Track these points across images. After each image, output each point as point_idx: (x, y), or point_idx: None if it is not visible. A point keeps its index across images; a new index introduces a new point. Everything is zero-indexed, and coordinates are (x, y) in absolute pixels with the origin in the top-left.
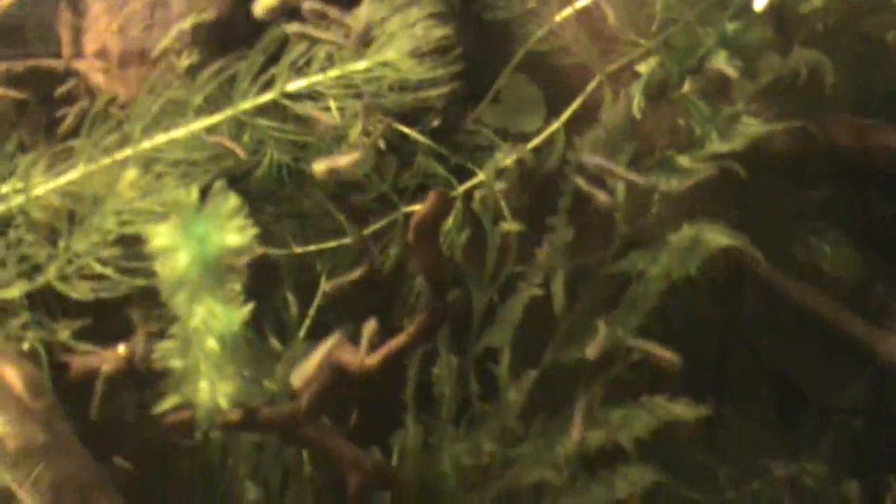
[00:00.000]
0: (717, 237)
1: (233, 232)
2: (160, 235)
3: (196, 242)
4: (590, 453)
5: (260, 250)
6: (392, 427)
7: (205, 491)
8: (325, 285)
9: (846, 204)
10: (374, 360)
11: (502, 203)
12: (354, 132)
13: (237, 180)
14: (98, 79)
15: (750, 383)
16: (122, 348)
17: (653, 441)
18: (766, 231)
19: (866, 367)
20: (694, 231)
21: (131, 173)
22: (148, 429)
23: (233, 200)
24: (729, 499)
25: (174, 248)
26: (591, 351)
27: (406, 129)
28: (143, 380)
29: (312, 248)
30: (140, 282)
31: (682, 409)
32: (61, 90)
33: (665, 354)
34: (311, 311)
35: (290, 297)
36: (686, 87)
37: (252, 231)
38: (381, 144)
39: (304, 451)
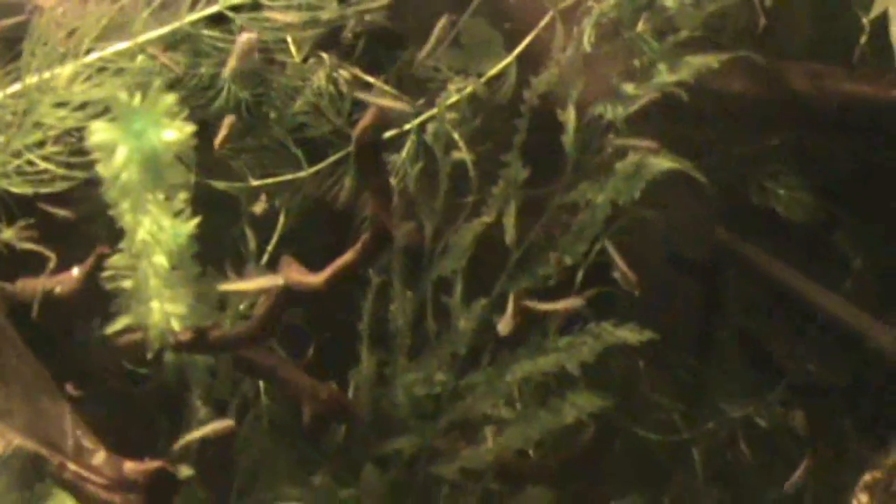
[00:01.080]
0: (661, 161)
1: (170, 127)
2: (98, 131)
3: (134, 138)
4: (541, 381)
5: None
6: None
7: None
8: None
9: (804, 149)
10: (320, 278)
11: (455, 135)
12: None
13: (194, 113)
14: None
15: (728, 359)
16: (76, 270)
17: (608, 380)
18: (722, 173)
19: (843, 345)
20: (638, 157)
21: (69, 67)
22: (102, 352)
23: (170, 98)
24: (684, 438)
25: (112, 144)
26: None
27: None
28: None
29: (270, 181)
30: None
31: (628, 334)
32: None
33: (626, 270)
34: (270, 246)
35: (248, 231)
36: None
37: (189, 128)
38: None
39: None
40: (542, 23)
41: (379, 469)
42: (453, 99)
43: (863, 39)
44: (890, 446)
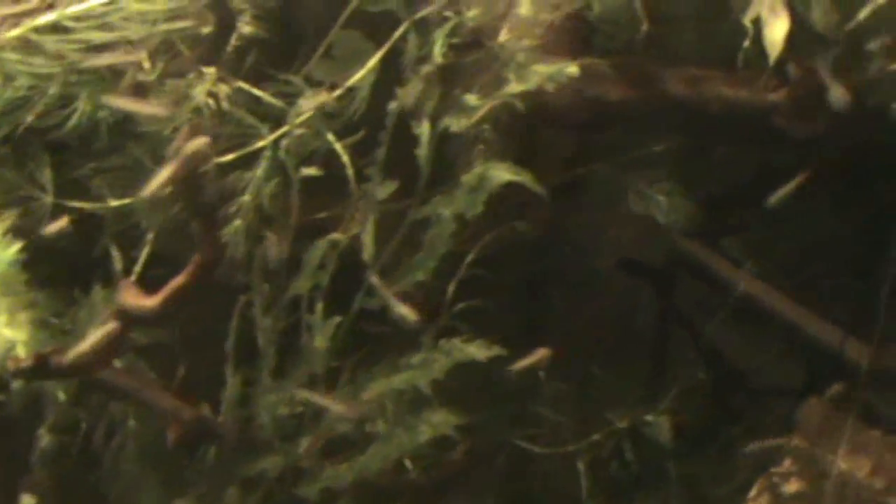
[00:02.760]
0: (502, 174)
1: None
2: None
3: None
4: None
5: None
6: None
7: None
8: None
9: (685, 154)
10: (155, 301)
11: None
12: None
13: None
14: None
15: (687, 365)
16: None
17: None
18: (601, 180)
19: (797, 347)
20: (481, 169)
21: None
22: None
23: None
24: (569, 451)
25: None
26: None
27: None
28: None
29: (129, 200)
30: None
31: (478, 351)
32: None
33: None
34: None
35: (114, 251)
36: (503, 34)
37: None
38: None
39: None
40: (397, 34)
41: (244, 491)
42: (305, 115)
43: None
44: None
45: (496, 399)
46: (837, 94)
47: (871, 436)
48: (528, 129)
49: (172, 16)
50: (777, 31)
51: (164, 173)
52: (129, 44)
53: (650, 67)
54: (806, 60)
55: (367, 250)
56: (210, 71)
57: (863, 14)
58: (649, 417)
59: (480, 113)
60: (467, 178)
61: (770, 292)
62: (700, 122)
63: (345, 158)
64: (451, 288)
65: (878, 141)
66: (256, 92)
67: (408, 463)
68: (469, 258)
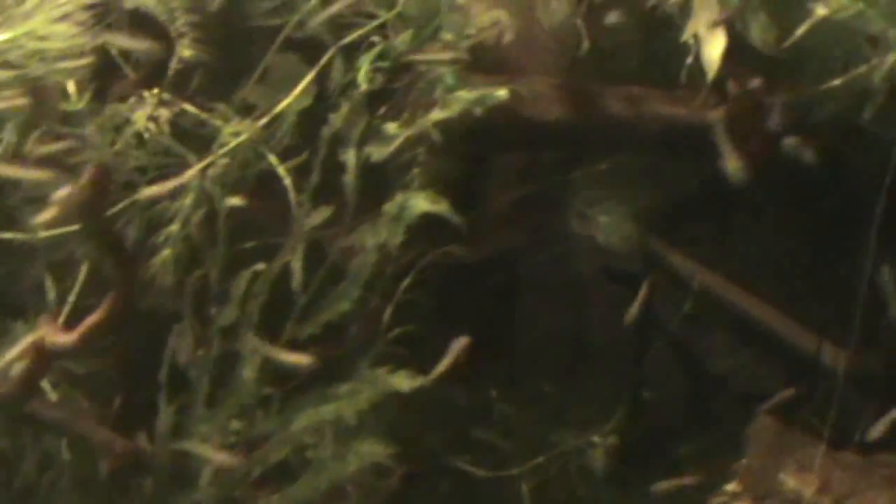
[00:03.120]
0: (420, 203)
1: None
2: None
3: None
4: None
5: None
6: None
7: None
8: None
9: (626, 173)
10: (74, 336)
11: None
12: None
13: None
14: None
15: (668, 373)
16: None
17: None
18: (542, 202)
19: (778, 353)
20: (402, 199)
21: None
22: None
23: None
24: (513, 474)
25: None
26: None
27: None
28: None
29: (57, 231)
30: None
31: (402, 382)
32: None
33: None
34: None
35: (48, 280)
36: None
37: None
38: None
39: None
40: (323, 60)
41: None
42: (231, 144)
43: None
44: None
45: (440, 422)
46: (733, 164)
47: (820, 452)
48: (466, 150)
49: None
50: (714, 49)
51: (51, 209)
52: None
53: (589, 87)
54: (745, 78)
55: (296, 279)
56: (150, 95)
57: (800, 31)
58: (596, 439)
59: (398, 142)
60: (389, 208)
61: (746, 297)
62: (639, 141)
63: (287, 181)
64: (387, 314)
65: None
66: (194, 111)
67: (349, 489)
68: (406, 283)
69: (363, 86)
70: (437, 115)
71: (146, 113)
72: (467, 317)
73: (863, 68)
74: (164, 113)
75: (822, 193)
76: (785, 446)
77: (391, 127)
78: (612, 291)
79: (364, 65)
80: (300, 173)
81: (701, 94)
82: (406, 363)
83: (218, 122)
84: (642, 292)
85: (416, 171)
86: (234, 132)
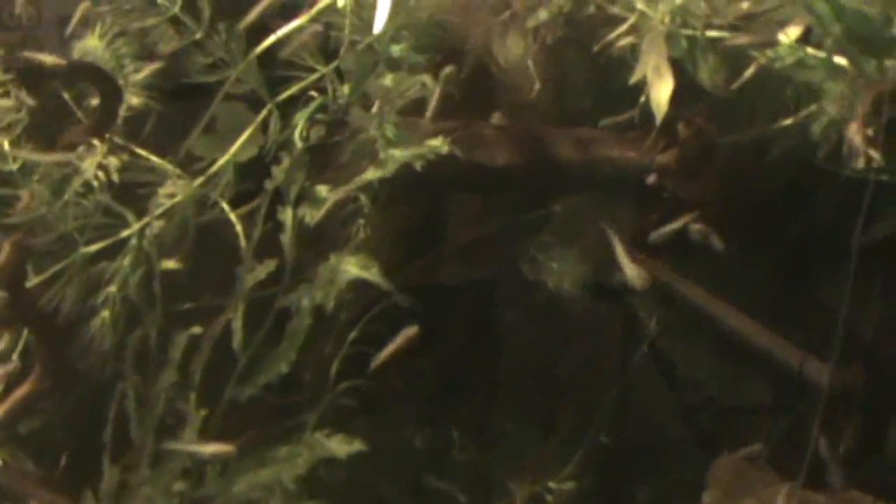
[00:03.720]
0: (352, 268)
1: None
2: None
3: None
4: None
5: None
6: None
7: None
8: None
9: (580, 217)
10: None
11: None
12: None
13: None
14: None
15: (652, 387)
16: None
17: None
18: (496, 247)
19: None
20: (334, 262)
21: None
22: None
23: None
24: None
25: None
26: None
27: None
28: None
29: None
30: None
31: (339, 447)
32: None
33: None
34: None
35: None
36: (375, 108)
37: None
38: None
39: None
40: (259, 117)
41: None
42: (167, 204)
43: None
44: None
45: (394, 471)
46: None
47: (783, 492)
48: (417, 197)
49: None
50: (662, 92)
51: None
52: None
53: (539, 130)
54: (695, 120)
55: (236, 338)
56: (100, 143)
57: (749, 71)
58: (552, 484)
59: (328, 205)
60: (322, 270)
61: (730, 312)
62: (590, 184)
63: (241, 235)
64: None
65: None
66: (145, 157)
67: None
68: (352, 336)
69: (298, 143)
70: (370, 174)
71: (95, 161)
72: (429, 356)
73: (802, 115)
74: (114, 161)
75: (783, 227)
76: (746, 486)
77: (322, 189)
78: (582, 326)
79: (300, 121)
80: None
81: (650, 137)
82: (358, 415)
83: (154, 180)
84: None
85: (367, 216)
86: (169, 193)
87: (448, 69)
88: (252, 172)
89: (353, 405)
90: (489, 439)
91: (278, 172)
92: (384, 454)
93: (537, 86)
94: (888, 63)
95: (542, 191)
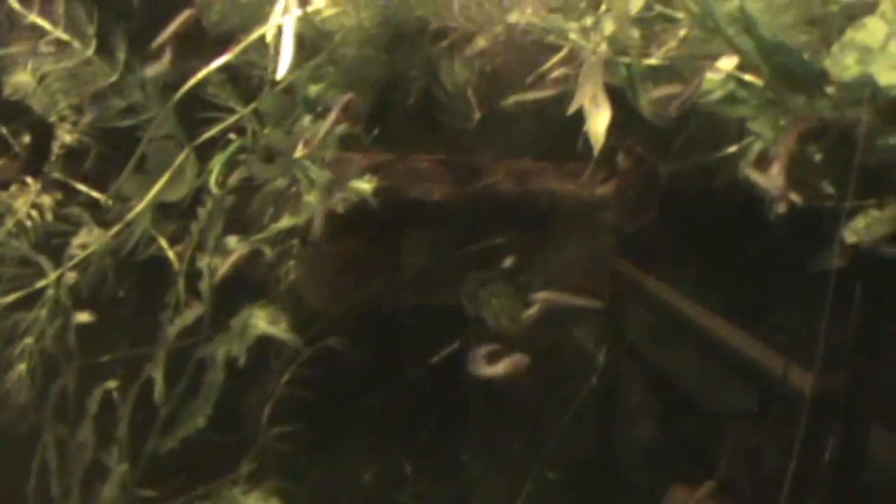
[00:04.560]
0: (261, 323)
1: None
2: None
3: None
4: None
5: None
6: None
7: None
8: None
9: (515, 251)
10: None
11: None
12: None
13: None
14: None
15: (635, 393)
16: None
17: None
18: (431, 285)
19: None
20: (246, 316)
21: None
22: None
23: None
24: None
25: None
26: None
27: None
28: None
29: None
30: None
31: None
32: None
33: None
34: None
35: None
36: (298, 152)
37: None
38: None
39: None
40: (176, 162)
41: None
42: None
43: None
44: None
45: None
46: None
47: None
48: (348, 235)
49: None
50: (599, 122)
51: None
52: None
53: (477, 162)
54: (635, 149)
55: (158, 391)
56: (32, 182)
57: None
58: None
59: (235, 257)
60: (235, 323)
61: (713, 319)
62: (528, 218)
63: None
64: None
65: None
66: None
67: None
68: (285, 378)
69: (214, 189)
70: (284, 222)
71: (28, 200)
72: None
73: (733, 148)
74: (47, 200)
75: (731, 247)
76: None
77: (231, 241)
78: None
79: (216, 165)
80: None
81: (588, 168)
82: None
83: (68, 228)
84: None
85: (298, 257)
86: (83, 244)
87: (345, 98)
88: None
89: (292, 448)
90: (443, 472)
91: (205, 213)
92: (332, 492)
93: (477, 115)
94: (817, 98)
95: (482, 224)
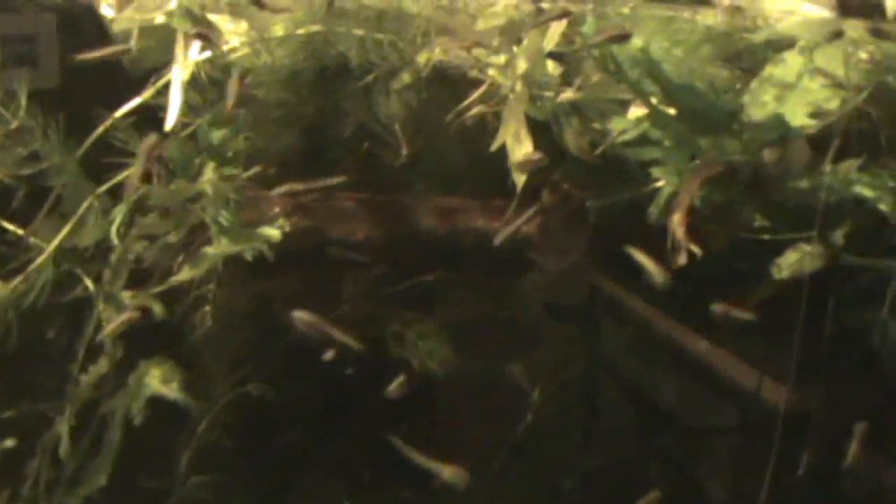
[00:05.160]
0: (154, 382)
1: None
2: None
3: None
4: None
5: None
6: None
7: None
8: None
9: (441, 291)
10: None
11: None
12: None
13: None
14: None
15: (614, 409)
16: None
17: None
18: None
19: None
20: (141, 372)
21: None
22: None
23: None
24: None
25: None
26: None
27: None
28: None
29: None
30: None
31: None
32: None
33: None
34: None
35: None
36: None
37: None
38: None
39: None
40: (81, 209)
41: None
42: None
43: None
44: None
45: None
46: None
47: None
48: (269, 277)
49: None
50: (521, 157)
51: None
52: None
53: (402, 201)
54: (561, 186)
55: (63, 447)
56: None
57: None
58: None
59: (126, 315)
60: (132, 379)
61: (688, 334)
62: (453, 256)
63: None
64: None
65: None
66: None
67: None
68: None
69: (114, 239)
70: (184, 274)
71: None
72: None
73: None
74: None
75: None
76: None
77: (125, 295)
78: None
79: (117, 215)
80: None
81: (512, 206)
82: None
83: None
84: None
85: (214, 301)
86: None
87: (150, 140)
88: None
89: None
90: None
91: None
92: None
93: (405, 152)
94: (724, 140)
95: (405, 264)
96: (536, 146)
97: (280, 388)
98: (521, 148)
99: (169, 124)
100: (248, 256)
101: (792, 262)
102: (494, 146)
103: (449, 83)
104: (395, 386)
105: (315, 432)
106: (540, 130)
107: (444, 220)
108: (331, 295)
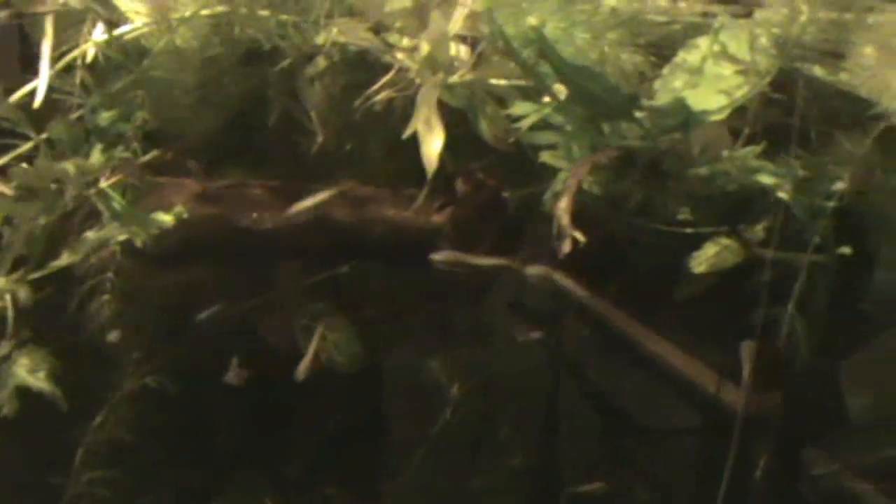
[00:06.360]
0: (20, 374)
1: None
2: None
3: None
4: None
5: None
6: None
7: None
8: None
9: (353, 282)
10: None
11: None
12: None
13: None
14: None
15: (575, 409)
16: None
17: None
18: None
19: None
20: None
21: None
22: None
23: None
24: None
25: None
26: None
27: None
28: None
29: None
30: None
31: None
32: None
33: None
34: None
35: None
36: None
37: None
38: None
39: None
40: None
41: None
42: None
43: None
44: None
45: None
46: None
47: None
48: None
49: None
50: (433, 146)
51: None
52: None
53: (312, 189)
54: (475, 175)
55: None
56: None
57: (527, 122)
58: None
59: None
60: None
61: (648, 336)
62: (362, 247)
63: None
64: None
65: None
66: None
67: None
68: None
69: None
70: (64, 259)
71: None
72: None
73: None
74: None
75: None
76: None
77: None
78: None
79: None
80: None
81: (423, 195)
82: None
83: None
84: None
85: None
86: None
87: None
88: None
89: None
90: None
91: None
92: None
93: (320, 139)
94: (624, 125)
95: (312, 255)
96: (449, 134)
97: (186, 380)
98: (432, 136)
99: (37, 102)
100: (138, 243)
101: (710, 255)
102: (406, 133)
103: (366, 68)
104: (231, 373)
105: (225, 427)
106: (455, 117)
107: (355, 210)
108: (239, 285)
